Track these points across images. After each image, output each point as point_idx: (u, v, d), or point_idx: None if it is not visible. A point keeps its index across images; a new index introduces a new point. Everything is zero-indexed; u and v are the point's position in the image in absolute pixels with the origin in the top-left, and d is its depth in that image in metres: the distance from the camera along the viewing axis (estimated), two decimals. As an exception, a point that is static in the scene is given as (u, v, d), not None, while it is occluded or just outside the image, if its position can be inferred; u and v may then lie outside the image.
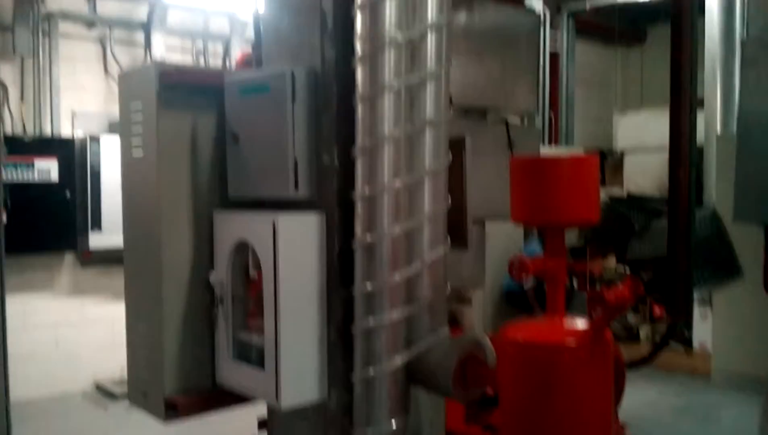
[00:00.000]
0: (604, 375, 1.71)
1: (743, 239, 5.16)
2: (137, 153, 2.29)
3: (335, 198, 2.07)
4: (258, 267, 2.11)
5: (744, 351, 6.40)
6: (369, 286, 1.92)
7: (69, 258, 6.52)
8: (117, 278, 6.40)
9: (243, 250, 2.19)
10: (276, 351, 2.02)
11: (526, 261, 1.62)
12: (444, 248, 2.01)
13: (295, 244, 2.03)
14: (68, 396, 6.57)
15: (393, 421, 1.98)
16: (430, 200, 1.97)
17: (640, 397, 6.29)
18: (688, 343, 7.23)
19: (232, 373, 2.23)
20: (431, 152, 1.96)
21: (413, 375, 2.03)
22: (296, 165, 2.04)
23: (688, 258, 4.88)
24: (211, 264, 2.28)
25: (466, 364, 1.96)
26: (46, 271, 6.45)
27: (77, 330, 6.66)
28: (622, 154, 8.69)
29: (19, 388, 5.08)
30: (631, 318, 7.47)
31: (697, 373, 7.08)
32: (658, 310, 7.18)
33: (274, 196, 2.13)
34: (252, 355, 2.19)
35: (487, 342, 2.07)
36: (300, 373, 2.06)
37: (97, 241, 6.19)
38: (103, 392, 6.70)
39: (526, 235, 5.68)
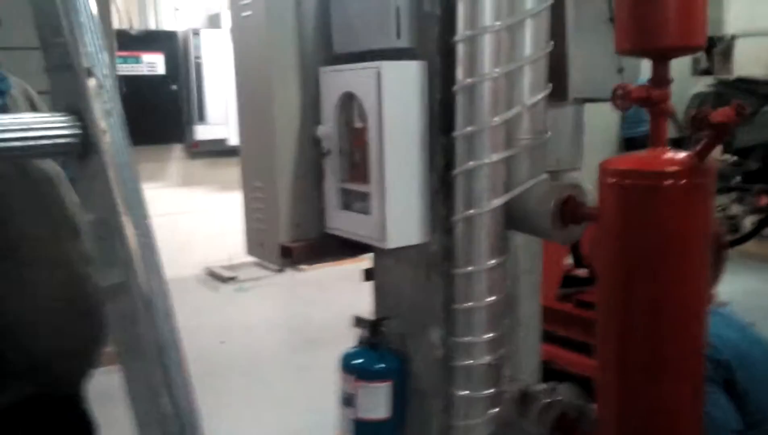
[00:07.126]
0: (705, 208, 1.73)
1: None
2: (245, 12, 2.40)
3: (436, 45, 2.12)
4: (363, 118, 2.21)
5: None
6: (470, 129, 1.99)
7: (177, 149, 6.88)
8: (223, 170, 6.77)
9: (348, 103, 2.29)
10: (382, 195, 2.14)
11: (629, 87, 1.63)
12: (544, 91, 2.03)
13: (399, 92, 2.11)
14: (182, 279, 7.08)
15: (493, 261, 2.08)
16: (531, 43, 1.98)
17: (741, 286, 6.19)
18: (794, 234, 6.98)
19: (340, 220, 2.38)
20: (533, -7, 1.97)
21: (512, 218, 2.11)
22: (398, 13, 2.10)
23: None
24: (318, 119, 2.40)
25: (564, 205, 2.01)
26: (156, 163, 6.84)
27: (189, 218, 7.09)
28: (732, 39, 8.21)
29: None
30: (735, 208, 7.24)
31: (803, 263, 6.87)
32: (764, 200, 6.91)
33: (377, 46, 2.19)
34: (358, 204, 2.33)
35: (585, 185, 2.11)
36: (404, 216, 2.18)
37: (202, 132, 6.49)
38: (213, 276, 7.18)
39: (623, 119, 5.55)
